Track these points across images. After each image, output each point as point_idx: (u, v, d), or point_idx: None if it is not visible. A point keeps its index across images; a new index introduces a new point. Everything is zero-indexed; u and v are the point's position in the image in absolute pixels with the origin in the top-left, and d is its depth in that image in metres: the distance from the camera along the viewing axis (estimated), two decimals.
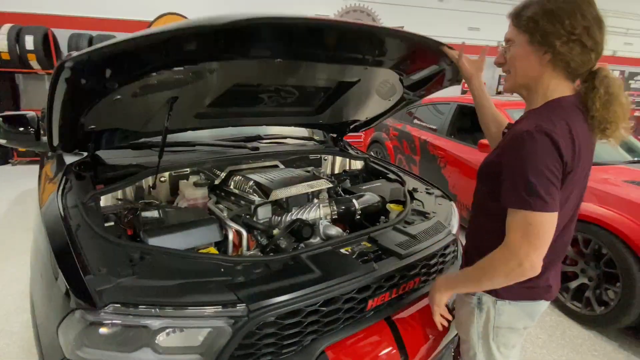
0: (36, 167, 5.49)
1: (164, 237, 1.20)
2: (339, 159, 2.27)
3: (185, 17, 5.61)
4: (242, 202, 1.59)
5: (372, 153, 4.50)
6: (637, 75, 9.61)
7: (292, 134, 2.39)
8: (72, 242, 1.05)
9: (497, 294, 1.02)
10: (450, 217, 1.61)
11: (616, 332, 2.32)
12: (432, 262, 1.36)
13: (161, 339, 0.92)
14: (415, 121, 4.53)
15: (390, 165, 2.21)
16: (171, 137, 1.66)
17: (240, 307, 0.94)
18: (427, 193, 1.85)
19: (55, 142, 1.32)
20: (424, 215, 1.56)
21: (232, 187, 1.68)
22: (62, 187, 1.35)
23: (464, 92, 8.19)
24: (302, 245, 1.40)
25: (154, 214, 1.35)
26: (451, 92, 6.68)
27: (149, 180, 1.57)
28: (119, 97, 1.22)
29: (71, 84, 1.02)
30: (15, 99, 5.96)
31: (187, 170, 1.69)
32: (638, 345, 2.24)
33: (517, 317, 1.04)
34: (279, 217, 1.53)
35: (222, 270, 1.05)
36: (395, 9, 7.38)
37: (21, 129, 1.77)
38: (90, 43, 5.53)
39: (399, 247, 1.26)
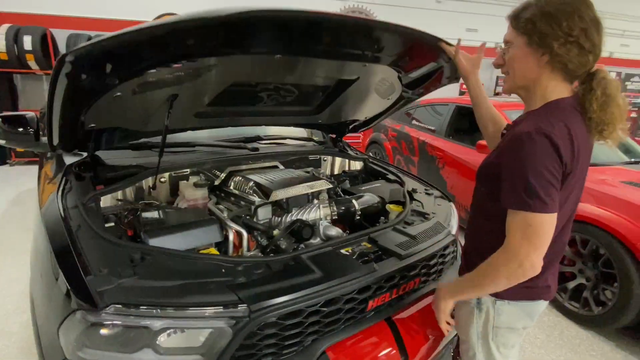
0: (34, 168, 5.47)
1: (165, 238, 1.20)
2: (338, 159, 2.27)
3: None
4: (242, 202, 1.59)
5: (370, 154, 4.51)
6: (633, 77, 9.66)
7: (291, 135, 2.39)
8: (73, 242, 1.05)
9: (496, 294, 1.02)
10: (449, 218, 1.62)
11: (614, 332, 2.33)
12: (432, 262, 1.37)
13: (162, 339, 0.92)
14: (414, 122, 4.54)
15: (390, 165, 2.22)
16: (171, 138, 1.66)
17: (242, 308, 0.94)
18: (427, 194, 1.85)
19: (56, 141, 1.32)
20: (423, 216, 1.57)
21: (232, 187, 1.68)
22: (62, 188, 1.35)
23: (462, 93, 8.23)
24: (302, 245, 1.41)
25: (155, 214, 1.35)
26: (449, 93, 6.70)
27: (149, 180, 1.57)
28: (119, 94, 1.22)
29: (72, 80, 1.02)
30: (14, 100, 5.93)
31: (187, 171, 1.69)
32: (635, 345, 2.26)
33: (517, 317, 1.04)
34: (279, 218, 1.53)
35: (223, 270, 1.06)
36: (393, 10, 7.40)
37: (20, 129, 1.77)
38: None
39: (399, 247, 1.27)
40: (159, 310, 0.90)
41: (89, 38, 5.57)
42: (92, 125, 1.35)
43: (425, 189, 1.91)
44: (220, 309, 0.94)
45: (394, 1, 7.44)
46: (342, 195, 1.84)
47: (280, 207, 1.59)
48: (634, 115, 7.87)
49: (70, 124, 1.28)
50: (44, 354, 1.07)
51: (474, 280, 1.00)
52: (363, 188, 1.87)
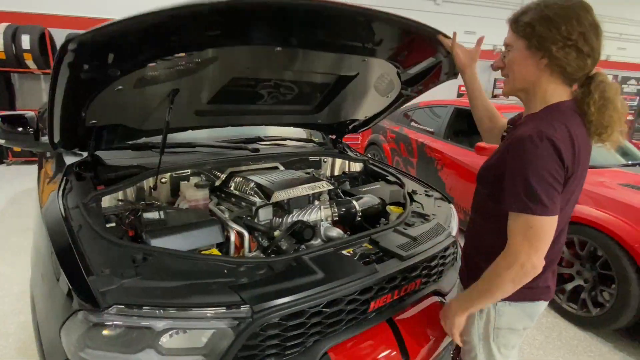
0: (31, 167, 5.47)
1: (167, 239, 1.20)
2: (338, 160, 2.28)
3: None
4: (243, 203, 1.59)
5: (369, 155, 4.52)
6: (629, 80, 9.73)
7: (291, 136, 2.40)
8: (74, 242, 1.05)
9: None
10: (449, 219, 1.62)
11: (611, 333, 2.35)
12: (433, 263, 1.37)
13: (164, 340, 0.92)
14: (413, 124, 4.56)
15: (389, 167, 2.23)
16: (171, 138, 1.66)
17: (244, 309, 0.94)
18: (427, 195, 1.86)
19: (57, 138, 1.32)
20: (423, 217, 1.57)
21: (232, 188, 1.68)
22: (63, 188, 1.35)
23: (460, 95, 8.26)
24: (303, 247, 1.41)
25: (156, 215, 1.35)
26: (448, 95, 6.69)
27: (150, 181, 1.56)
28: (120, 87, 1.22)
29: (74, 70, 1.02)
30: (11, 99, 5.91)
31: (187, 172, 1.68)
32: (633, 346, 2.27)
33: (517, 318, 1.05)
34: (280, 219, 1.54)
35: (225, 271, 1.05)
36: (391, 12, 7.43)
37: (20, 129, 1.76)
38: None
39: (400, 248, 1.27)
40: (161, 310, 0.90)
41: None
42: (93, 121, 1.35)
43: (425, 191, 1.92)
44: (223, 309, 0.94)
45: (391, 3, 7.44)
46: (342, 196, 1.85)
47: (281, 208, 1.59)
48: (630, 118, 7.94)
49: (72, 119, 1.27)
50: (45, 355, 1.07)
51: (481, 290, 0.99)
52: (363, 189, 1.87)
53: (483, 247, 1.08)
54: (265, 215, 1.54)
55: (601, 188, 2.39)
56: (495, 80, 8.92)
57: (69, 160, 1.58)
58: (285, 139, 2.33)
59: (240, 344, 0.94)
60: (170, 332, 0.92)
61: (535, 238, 0.88)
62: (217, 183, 1.71)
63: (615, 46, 9.58)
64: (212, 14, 1.05)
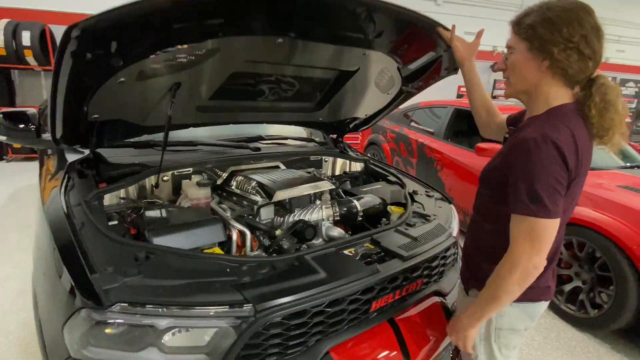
0: (31, 164, 5.47)
1: (169, 237, 1.20)
2: (339, 160, 2.28)
3: None
4: (245, 202, 1.59)
5: (369, 155, 4.53)
6: (628, 82, 9.77)
7: (293, 135, 2.40)
8: (77, 240, 1.05)
9: None
10: (450, 220, 1.63)
11: (609, 335, 2.36)
12: (434, 264, 1.37)
13: (167, 338, 0.92)
14: (413, 124, 4.57)
15: (390, 167, 2.23)
16: (173, 137, 1.66)
17: (247, 308, 0.95)
18: (427, 195, 1.87)
19: (59, 133, 1.32)
20: (424, 217, 1.58)
21: (234, 187, 1.68)
22: (65, 185, 1.35)
23: (459, 95, 8.27)
24: (304, 246, 1.41)
25: (158, 213, 1.35)
26: (447, 96, 6.69)
27: (152, 179, 1.56)
28: (123, 79, 1.21)
29: (77, 59, 1.01)
30: (11, 96, 5.89)
31: (189, 170, 1.68)
32: (631, 347, 2.28)
33: (519, 319, 1.06)
34: (282, 218, 1.54)
35: (228, 270, 1.06)
36: None
37: (22, 125, 1.76)
38: None
39: (402, 249, 1.27)
40: (164, 309, 0.90)
41: None
42: (96, 116, 1.34)
43: (426, 191, 1.92)
44: (226, 308, 0.94)
45: (392, 2, 7.46)
46: (343, 196, 1.85)
47: (283, 208, 1.59)
48: (628, 120, 7.97)
49: (74, 113, 1.27)
50: (47, 352, 1.07)
51: (488, 297, 0.98)
52: (364, 189, 1.87)
53: (484, 248, 1.09)
54: (266, 214, 1.54)
55: (600, 190, 2.40)
56: (495, 81, 8.93)
57: (71, 157, 1.58)
58: (286, 138, 2.33)
59: (242, 343, 0.94)
60: (172, 331, 0.92)
61: (537, 240, 0.89)
62: (219, 182, 1.71)
63: (614, 49, 9.60)
64: (214, 2, 1.05)
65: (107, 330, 0.90)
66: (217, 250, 1.29)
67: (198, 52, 1.28)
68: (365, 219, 1.66)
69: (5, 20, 5.21)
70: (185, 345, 0.95)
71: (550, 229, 0.89)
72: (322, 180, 1.71)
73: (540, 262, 0.90)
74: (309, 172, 1.99)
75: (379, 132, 5.15)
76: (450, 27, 1.36)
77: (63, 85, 1.10)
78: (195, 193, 1.55)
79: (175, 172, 1.65)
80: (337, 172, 2.30)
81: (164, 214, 1.35)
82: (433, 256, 1.35)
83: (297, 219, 1.50)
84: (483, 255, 1.08)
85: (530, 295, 1.03)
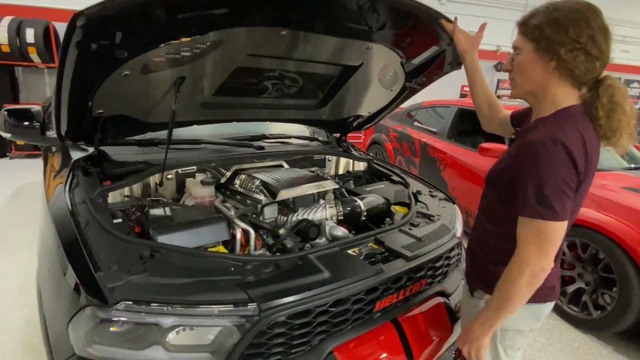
0: (34, 161, 5.48)
1: (173, 235, 1.20)
2: (342, 159, 2.27)
3: None
4: (249, 201, 1.59)
5: (371, 154, 4.53)
6: (633, 83, 9.72)
7: (296, 134, 2.40)
8: (82, 238, 1.05)
9: None
10: (454, 220, 1.63)
11: (612, 336, 2.35)
12: (438, 264, 1.37)
13: (171, 337, 0.93)
14: (416, 123, 4.56)
15: (393, 167, 2.23)
16: (176, 135, 1.66)
17: (252, 307, 0.95)
18: (431, 196, 1.86)
19: (64, 128, 1.32)
20: (428, 217, 1.58)
21: (237, 186, 1.68)
22: (70, 183, 1.35)
23: (463, 95, 8.25)
24: (307, 245, 1.41)
25: (162, 211, 1.35)
26: (451, 96, 6.67)
27: (156, 177, 1.57)
28: (127, 72, 1.22)
29: (82, 51, 1.01)
30: (14, 92, 5.91)
31: (193, 168, 1.69)
32: (633, 349, 2.28)
33: (524, 320, 1.05)
34: (285, 217, 1.54)
35: (232, 269, 1.06)
36: None
37: (26, 123, 1.76)
38: None
39: (406, 249, 1.27)
40: (169, 307, 0.91)
41: None
42: (100, 111, 1.35)
43: (430, 191, 1.92)
44: (230, 307, 0.94)
45: None
46: (347, 195, 1.85)
47: (287, 207, 1.59)
48: (633, 121, 7.91)
49: (79, 108, 1.28)
50: (52, 350, 1.08)
51: (499, 303, 0.97)
52: (367, 189, 1.87)
53: (491, 249, 1.08)
54: (270, 213, 1.54)
55: (604, 191, 2.39)
56: (499, 81, 8.90)
57: (75, 155, 1.58)
58: (289, 137, 2.33)
59: (247, 341, 0.94)
60: (177, 329, 0.93)
61: (545, 243, 0.88)
62: (223, 180, 1.71)
63: (618, 49, 9.53)
64: None
65: (112, 328, 0.90)
66: (221, 249, 1.29)
67: (202, 45, 1.28)
68: (368, 218, 1.66)
69: (9, 18, 5.22)
70: (190, 343, 0.95)
71: (558, 231, 0.88)
72: (326, 179, 1.71)
73: (548, 264, 0.90)
74: (313, 171, 1.99)
75: (382, 132, 5.14)
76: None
77: (68, 79, 1.10)
78: (199, 191, 1.55)
79: (179, 170, 1.65)
80: (341, 172, 2.29)
81: (168, 212, 1.35)
82: (437, 256, 1.34)
83: (301, 218, 1.50)
84: (489, 256, 1.08)
85: (536, 297, 1.02)
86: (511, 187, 0.94)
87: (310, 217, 1.52)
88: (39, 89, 6.08)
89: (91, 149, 1.56)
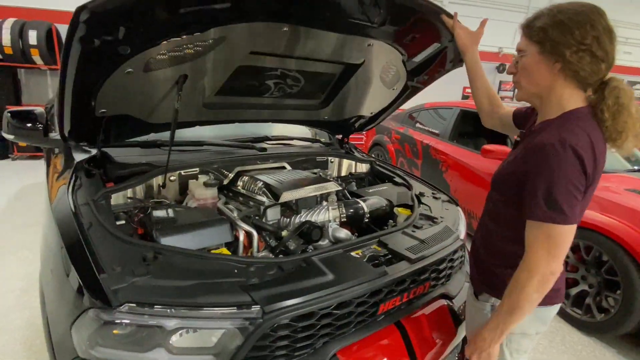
0: (36, 162, 5.50)
1: (177, 237, 1.20)
2: (345, 161, 2.27)
3: None
4: (251, 203, 1.59)
5: (373, 155, 4.53)
6: (635, 84, 9.70)
7: (298, 136, 2.40)
8: (85, 239, 1.05)
9: None
10: (457, 222, 1.62)
11: (615, 339, 2.34)
12: (442, 267, 1.37)
13: (175, 339, 0.92)
14: (418, 125, 4.56)
15: (396, 168, 2.22)
16: (179, 136, 1.66)
17: (255, 309, 0.94)
18: (434, 197, 1.86)
19: (67, 128, 1.32)
20: (432, 219, 1.57)
21: (240, 187, 1.68)
22: (73, 184, 1.35)
23: (465, 97, 8.24)
24: (310, 247, 1.41)
25: (165, 213, 1.35)
26: (453, 98, 6.68)
27: (159, 179, 1.57)
28: (130, 69, 1.22)
29: (85, 46, 1.01)
30: (17, 94, 5.93)
31: (196, 170, 1.68)
32: (637, 352, 2.26)
33: (531, 323, 1.04)
34: (288, 219, 1.54)
35: (236, 271, 1.05)
36: None
37: (29, 124, 1.77)
38: None
39: (409, 251, 1.27)
40: (172, 309, 0.90)
41: None
42: (103, 110, 1.35)
43: (433, 193, 1.91)
44: (234, 309, 0.94)
45: None
46: (349, 197, 1.84)
47: (289, 208, 1.59)
48: None
49: (82, 108, 1.27)
50: (54, 352, 1.07)
51: (508, 309, 0.95)
52: (370, 190, 1.87)
53: (496, 252, 1.08)
54: (273, 215, 1.54)
55: (607, 193, 2.38)
56: (501, 82, 8.90)
57: (78, 156, 1.58)
58: (292, 139, 2.33)
59: (250, 344, 0.94)
60: (180, 332, 0.92)
61: (554, 246, 0.88)
62: (225, 182, 1.71)
63: (620, 50, 9.49)
64: None
65: (115, 331, 0.90)
66: (225, 251, 1.29)
67: (204, 42, 1.28)
68: (371, 220, 1.66)
69: (12, 20, 5.24)
70: (193, 346, 0.94)
71: (567, 235, 0.88)
72: (329, 181, 1.70)
73: (558, 268, 0.89)
74: (315, 173, 1.99)
75: (384, 133, 5.14)
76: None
77: (71, 76, 1.10)
78: (202, 193, 1.55)
79: (182, 172, 1.65)
80: (343, 173, 2.29)
81: (171, 214, 1.34)
82: (441, 259, 1.34)
83: (304, 220, 1.49)
84: (495, 259, 1.07)
85: (542, 299, 1.02)
86: (518, 190, 0.93)
87: (313, 219, 1.51)
88: (42, 90, 6.11)
89: (94, 151, 1.56)
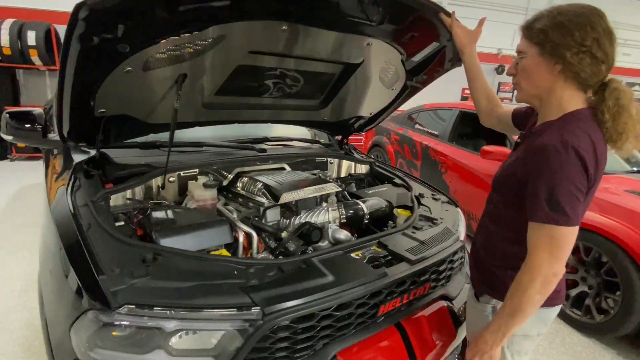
0: (35, 163, 5.48)
1: (176, 238, 1.20)
2: (345, 162, 2.27)
3: None
4: (251, 204, 1.59)
5: (372, 156, 4.53)
6: (634, 86, 9.73)
7: (298, 136, 2.40)
8: (84, 241, 1.04)
9: None
10: (457, 224, 1.62)
11: (615, 340, 2.34)
12: (441, 268, 1.37)
13: (174, 341, 0.92)
14: (417, 126, 4.56)
15: (395, 169, 2.22)
16: (178, 137, 1.66)
17: (255, 311, 0.94)
18: (434, 199, 1.86)
19: (66, 128, 1.32)
20: (431, 221, 1.57)
21: (240, 188, 1.68)
22: (71, 185, 1.34)
23: (464, 98, 8.25)
24: (310, 248, 1.40)
25: (165, 214, 1.35)
26: (452, 99, 6.68)
27: (158, 180, 1.56)
28: (129, 68, 1.21)
29: (84, 44, 1.01)
30: (15, 95, 5.92)
31: (195, 171, 1.68)
32: (636, 353, 2.26)
33: (532, 324, 1.04)
34: (288, 220, 1.53)
35: (235, 272, 1.05)
36: None
37: (28, 125, 1.76)
38: None
39: (409, 252, 1.27)
40: (172, 311, 0.90)
41: None
42: (102, 110, 1.34)
43: (432, 194, 1.91)
44: (234, 311, 0.94)
45: None
46: (349, 198, 1.84)
47: (289, 210, 1.59)
48: None
49: (81, 107, 1.27)
50: (53, 353, 1.07)
51: (511, 311, 0.95)
52: (370, 192, 1.87)
53: (497, 253, 1.07)
54: (272, 216, 1.53)
55: (607, 194, 2.38)
56: (500, 84, 8.91)
57: (77, 157, 1.58)
58: (291, 140, 2.32)
59: (250, 346, 0.93)
60: (180, 333, 0.92)
61: (556, 248, 0.88)
62: (225, 183, 1.71)
63: (620, 52, 9.55)
64: None
65: (115, 333, 0.89)
66: (224, 252, 1.28)
67: (203, 40, 1.27)
68: (371, 221, 1.65)
69: (10, 20, 5.23)
70: (193, 347, 0.94)
71: (570, 236, 0.88)
72: (328, 182, 1.70)
73: (560, 270, 0.89)
74: (315, 174, 1.99)
75: (383, 134, 5.14)
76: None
77: (70, 75, 1.10)
78: (202, 194, 1.54)
79: (181, 173, 1.64)
80: (343, 174, 2.29)
81: (171, 215, 1.34)
82: (440, 260, 1.34)
83: (304, 221, 1.49)
84: (495, 260, 1.07)
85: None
86: (518, 192, 0.93)
87: (312, 220, 1.51)
88: (40, 91, 6.10)
89: (93, 152, 1.55)
